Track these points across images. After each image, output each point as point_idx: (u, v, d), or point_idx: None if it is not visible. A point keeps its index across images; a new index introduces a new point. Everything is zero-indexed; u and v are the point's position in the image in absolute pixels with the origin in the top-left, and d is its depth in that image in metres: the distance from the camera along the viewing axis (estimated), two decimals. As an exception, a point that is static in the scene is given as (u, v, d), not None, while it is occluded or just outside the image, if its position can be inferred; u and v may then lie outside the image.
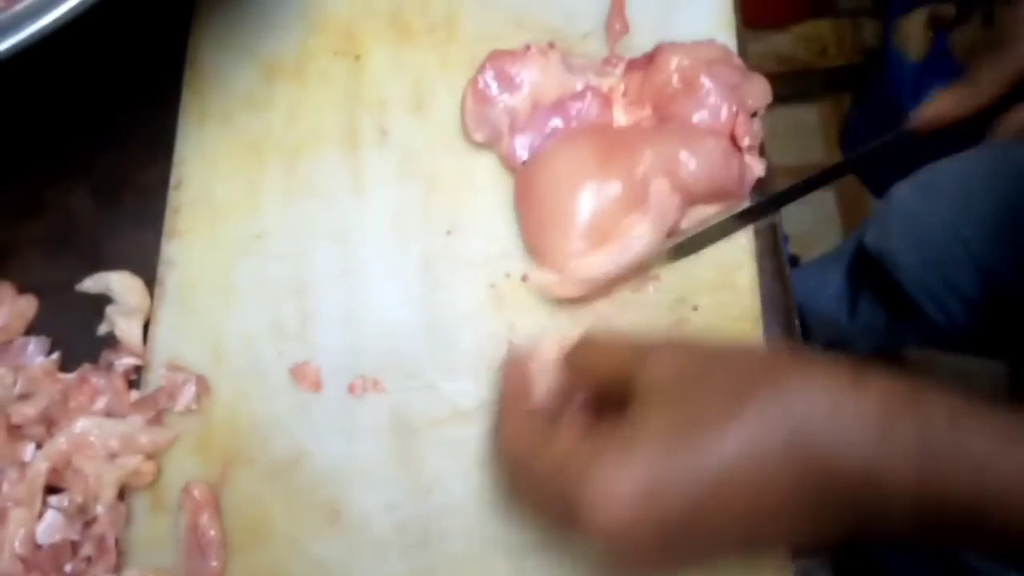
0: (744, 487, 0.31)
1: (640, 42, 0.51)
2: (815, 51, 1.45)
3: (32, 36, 0.37)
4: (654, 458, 0.31)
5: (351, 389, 0.45)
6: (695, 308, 0.46)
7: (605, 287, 0.45)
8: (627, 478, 0.31)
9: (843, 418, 0.31)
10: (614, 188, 0.44)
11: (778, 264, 0.48)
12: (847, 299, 1.01)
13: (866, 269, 0.94)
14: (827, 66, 1.45)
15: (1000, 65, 0.42)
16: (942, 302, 0.83)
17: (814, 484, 0.31)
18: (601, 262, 0.44)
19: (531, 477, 0.35)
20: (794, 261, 1.25)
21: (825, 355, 0.34)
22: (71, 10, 0.37)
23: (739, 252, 0.47)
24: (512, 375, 0.41)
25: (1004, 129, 0.43)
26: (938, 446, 0.30)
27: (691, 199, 0.45)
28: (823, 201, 1.46)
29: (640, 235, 0.44)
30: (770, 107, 0.47)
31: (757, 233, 0.48)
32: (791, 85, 1.47)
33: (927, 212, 0.82)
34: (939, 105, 0.45)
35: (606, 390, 0.37)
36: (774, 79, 1.31)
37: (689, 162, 0.44)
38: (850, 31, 1.45)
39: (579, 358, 0.39)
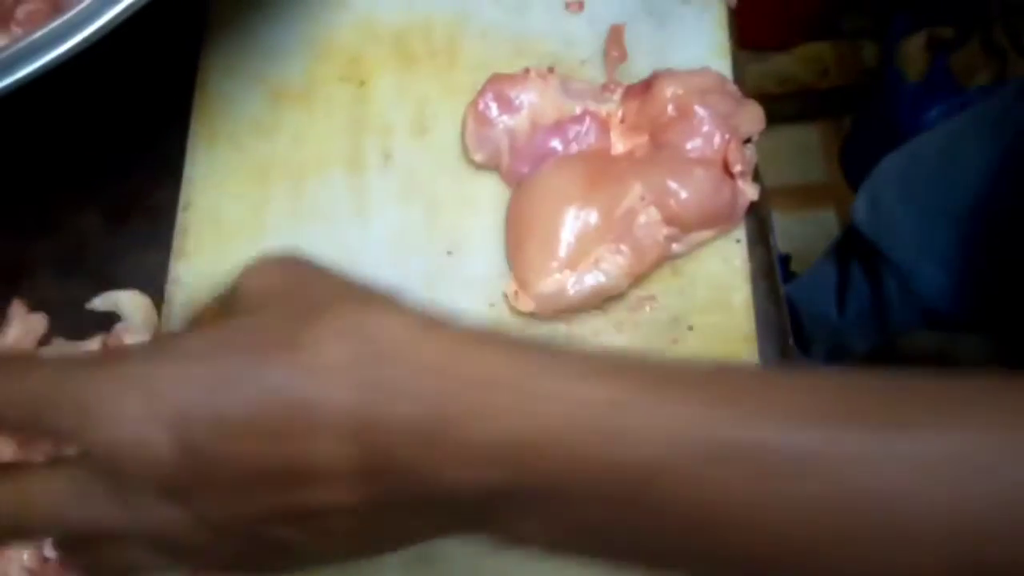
0: (273, 426, 0.24)
1: (637, 69, 0.52)
2: (816, 72, 1.46)
3: (49, 64, 0.38)
4: (174, 372, 0.25)
5: (353, 407, 0.46)
6: (690, 328, 0.47)
7: (565, 308, 0.46)
8: (137, 387, 0.25)
9: (411, 351, 0.25)
10: (595, 215, 0.46)
11: (772, 285, 0.49)
12: (835, 288, 1.01)
13: (854, 248, 0.95)
14: (828, 87, 1.46)
15: None
16: (946, 259, 0.83)
17: (363, 428, 0.24)
18: (561, 282, 0.45)
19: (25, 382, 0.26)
20: (790, 276, 1.26)
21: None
22: (86, 39, 0.38)
23: (734, 273, 0.48)
24: None
25: None
26: (523, 388, 0.24)
27: (683, 227, 0.46)
28: (824, 220, 1.47)
29: (609, 266, 0.45)
30: (771, 127, 0.49)
31: (752, 254, 0.49)
32: (792, 105, 1.48)
33: (918, 173, 0.83)
34: None
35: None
36: (775, 100, 1.33)
37: (679, 192, 0.45)
38: (850, 52, 1.47)
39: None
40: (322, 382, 0.24)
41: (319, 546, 0.27)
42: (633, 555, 0.26)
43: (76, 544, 0.28)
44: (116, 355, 0.28)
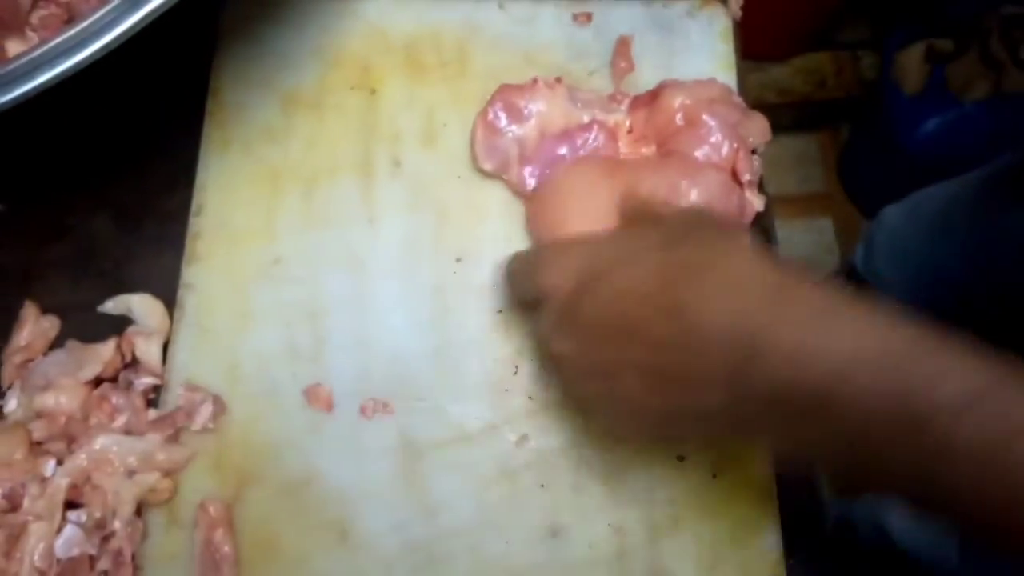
0: (628, 297, 0.37)
1: (644, 80, 0.53)
2: (814, 83, 1.48)
3: (65, 72, 0.38)
4: (595, 248, 0.40)
5: (362, 411, 0.47)
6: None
7: None
8: (570, 253, 0.41)
9: (750, 273, 0.35)
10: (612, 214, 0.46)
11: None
12: None
13: (855, 289, 0.96)
14: (826, 97, 1.48)
15: None
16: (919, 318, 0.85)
17: (683, 315, 0.35)
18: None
19: (526, 258, 0.46)
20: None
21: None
22: (101, 48, 0.38)
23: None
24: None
25: None
26: (825, 311, 0.33)
27: None
28: (822, 228, 1.48)
29: None
30: (771, 137, 0.49)
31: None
32: (791, 116, 1.49)
33: (910, 234, 0.84)
34: None
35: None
36: (774, 110, 1.33)
37: (690, 192, 0.46)
38: (849, 64, 1.48)
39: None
40: (666, 281, 0.36)
41: (653, 403, 0.37)
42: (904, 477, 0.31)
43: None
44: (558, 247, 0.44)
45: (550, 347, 0.40)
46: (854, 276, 0.94)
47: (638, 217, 0.44)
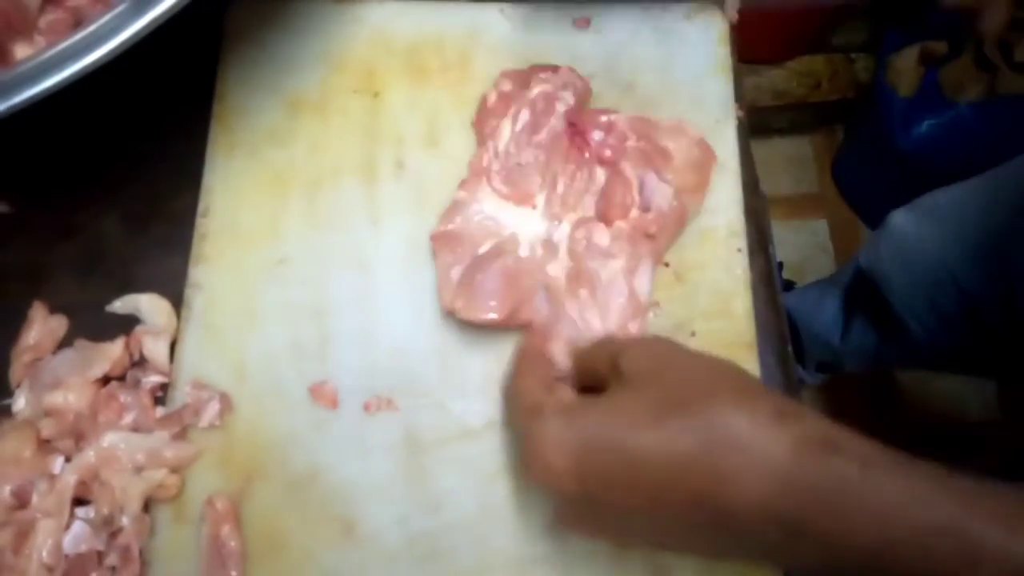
0: (651, 478, 0.35)
1: (642, 83, 0.54)
2: (809, 85, 1.48)
3: (73, 75, 0.39)
4: (592, 426, 0.37)
5: (366, 407, 0.47)
6: (693, 334, 0.48)
7: None
8: (567, 434, 0.37)
9: (755, 447, 0.33)
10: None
11: (772, 293, 0.51)
12: (841, 322, 1.04)
13: (861, 290, 0.97)
14: (821, 100, 1.48)
15: None
16: (927, 322, 0.86)
17: (712, 502, 0.34)
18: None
19: (516, 412, 0.43)
20: (788, 286, 1.28)
21: (766, 387, 0.39)
22: (109, 52, 0.39)
23: (735, 281, 0.49)
24: (533, 341, 0.46)
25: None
26: (847, 492, 0.32)
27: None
28: (816, 230, 1.49)
29: None
30: (765, 139, 0.50)
31: (752, 263, 0.50)
32: (786, 118, 1.50)
33: (919, 237, 0.85)
34: None
35: (597, 382, 0.41)
36: (769, 112, 1.34)
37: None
38: (843, 66, 1.49)
39: (580, 356, 0.44)
40: (675, 468, 0.35)
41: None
42: None
43: None
44: (549, 410, 0.39)
45: (563, 528, 0.42)
46: (863, 278, 0.95)
47: (606, 373, 0.41)
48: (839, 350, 1.05)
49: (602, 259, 0.47)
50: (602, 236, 0.47)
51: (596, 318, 0.47)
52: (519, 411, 0.42)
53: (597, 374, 0.41)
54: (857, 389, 1.37)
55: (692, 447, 0.34)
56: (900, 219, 0.87)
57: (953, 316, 0.82)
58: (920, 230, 0.85)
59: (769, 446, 0.33)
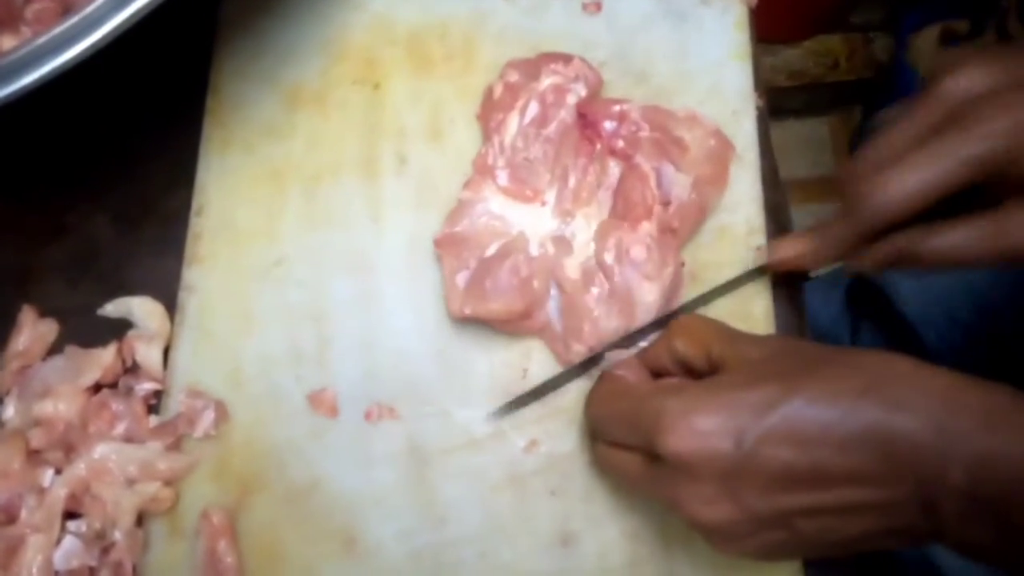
0: (815, 421, 0.33)
1: (656, 71, 0.51)
2: (826, 65, 1.46)
3: (57, 68, 0.37)
4: (728, 399, 0.35)
5: (367, 416, 0.46)
6: (710, 338, 0.46)
7: None
8: (702, 409, 0.35)
9: (917, 380, 0.33)
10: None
11: (793, 294, 0.48)
12: (848, 322, 1.01)
13: (866, 296, 0.95)
14: (838, 80, 1.46)
15: (851, 222, 0.41)
16: (942, 331, 0.84)
17: (880, 437, 0.32)
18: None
19: (621, 404, 0.39)
20: (804, 277, 1.26)
21: None
22: (96, 43, 0.37)
23: (755, 282, 0.47)
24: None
25: (860, 263, 0.43)
26: (1000, 417, 0.31)
27: None
28: (833, 212, 1.47)
29: None
30: (781, 120, 0.48)
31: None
32: (802, 99, 1.47)
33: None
34: (786, 249, 0.45)
35: (695, 370, 0.40)
36: (785, 93, 1.32)
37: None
38: (861, 46, 1.46)
39: (674, 340, 0.41)
40: (843, 405, 0.33)
41: (833, 537, 0.35)
42: None
43: None
44: (679, 387, 0.38)
45: (701, 519, 0.36)
46: (863, 282, 0.93)
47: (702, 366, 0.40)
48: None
49: (637, 277, 0.45)
50: (638, 251, 0.45)
51: (617, 317, 0.45)
52: (636, 399, 0.38)
53: (698, 361, 0.40)
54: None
55: (852, 387, 0.33)
56: None
57: (972, 328, 0.80)
58: None
59: (928, 379, 0.33)
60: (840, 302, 1.01)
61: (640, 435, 0.37)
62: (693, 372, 0.40)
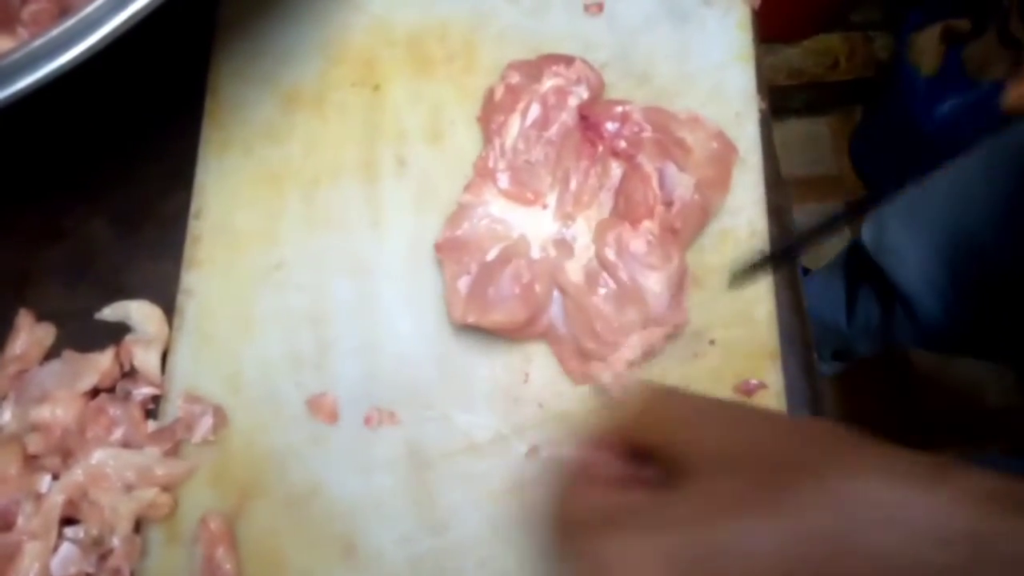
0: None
1: (659, 72, 0.51)
2: (826, 64, 1.45)
3: (55, 71, 0.37)
4: (684, 531, 0.29)
5: (367, 421, 0.45)
6: (712, 342, 0.46)
7: None
8: (653, 547, 0.29)
9: (915, 513, 0.26)
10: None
11: (796, 297, 0.48)
12: (845, 300, 1.01)
13: (861, 268, 0.95)
14: (838, 79, 1.46)
15: None
16: (946, 294, 0.83)
17: None
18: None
19: (566, 524, 0.32)
20: (803, 272, 1.26)
21: (873, 437, 0.29)
22: (93, 45, 0.37)
23: (757, 285, 0.47)
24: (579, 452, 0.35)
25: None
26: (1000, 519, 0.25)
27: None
28: (833, 210, 1.47)
29: None
30: (781, 119, 0.47)
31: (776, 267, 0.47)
32: (802, 97, 1.47)
33: (927, 207, 0.82)
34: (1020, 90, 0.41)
35: (658, 457, 0.33)
36: (785, 92, 1.31)
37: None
38: (861, 45, 1.46)
39: (635, 429, 0.34)
40: (806, 547, 0.26)
41: None
42: None
43: None
44: (616, 521, 0.30)
45: None
46: (861, 256, 0.93)
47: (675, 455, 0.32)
48: (848, 335, 1.03)
49: (640, 268, 0.44)
50: (638, 244, 0.45)
51: (630, 310, 0.44)
52: (577, 535, 0.32)
53: (659, 450, 0.33)
54: (872, 377, 1.35)
55: (826, 528, 0.26)
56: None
57: (975, 287, 0.80)
58: (927, 199, 0.82)
59: (934, 509, 0.25)
60: (839, 286, 1.01)
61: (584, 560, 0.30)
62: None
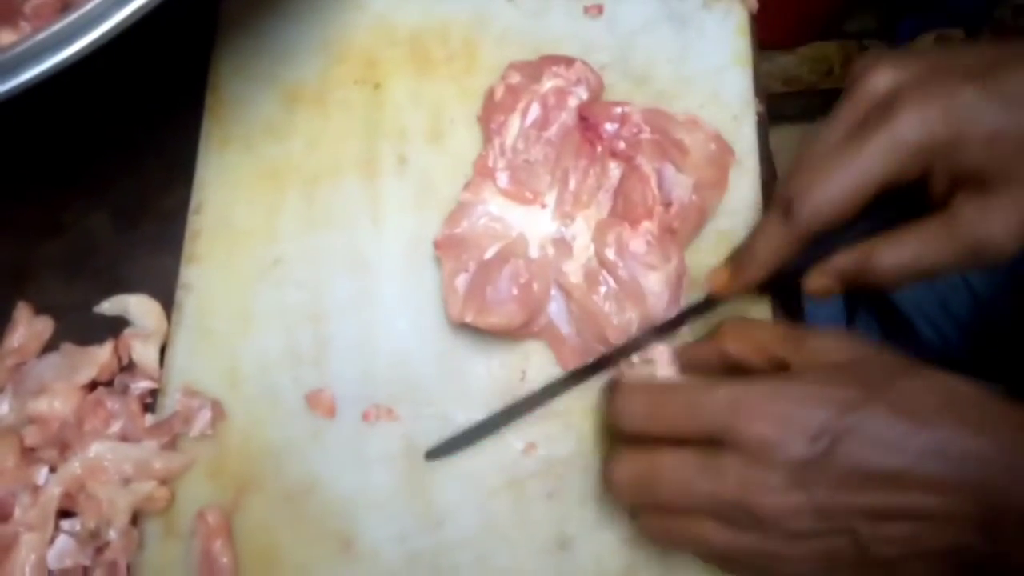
0: (887, 441, 0.33)
1: (658, 75, 0.51)
2: (821, 72, 1.46)
3: (57, 65, 0.37)
4: (809, 393, 0.35)
5: (365, 416, 0.45)
6: (708, 343, 0.46)
7: None
8: (784, 398, 0.35)
9: (987, 405, 0.34)
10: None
11: (793, 301, 0.48)
12: (844, 315, 1.02)
13: (861, 289, 0.95)
14: (833, 87, 1.46)
15: (786, 228, 0.40)
16: (938, 324, 0.84)
17: (954, 452, 0.33)
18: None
19: (671, 398, 0.37)
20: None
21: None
22: (95, 40, 0.37)
23: (756, 306, 0.47)
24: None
25: (815, 282, 0.41)
26: None
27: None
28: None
29: None
30: (775, 126, 0.48)
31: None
32: (797, 105, 1.48)
33: None
34: (719, 277, 0.44)
35: (750, 373, 0.39)
36: (780, 99, 1.32)
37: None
38: (856, 53, 1.47)
39: (727, 344, 0.41)
40: (921, 418, 0.33)
41: (891, 553, 0.34)
42: None
43: (665, 512, 0.37)
44: (751, 379, 0.36)
45: (765, 509, 0.35)
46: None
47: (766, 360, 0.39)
48: None
49: (640, 268, 0.45)
50: (638, 244, 0.45)
51: (630, 309, 0.45)
52: (694, 392, 0.37)
53: (757, 362, 0.39)
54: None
55: (931, 401, 0.34)
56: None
57: (967, 322, 0.80)
58: None
59: (999, 403, 0.34)
60: (838, 307, 1.01)
61: (704, 423, 0.36)
62: (747, 375, 0.39)
